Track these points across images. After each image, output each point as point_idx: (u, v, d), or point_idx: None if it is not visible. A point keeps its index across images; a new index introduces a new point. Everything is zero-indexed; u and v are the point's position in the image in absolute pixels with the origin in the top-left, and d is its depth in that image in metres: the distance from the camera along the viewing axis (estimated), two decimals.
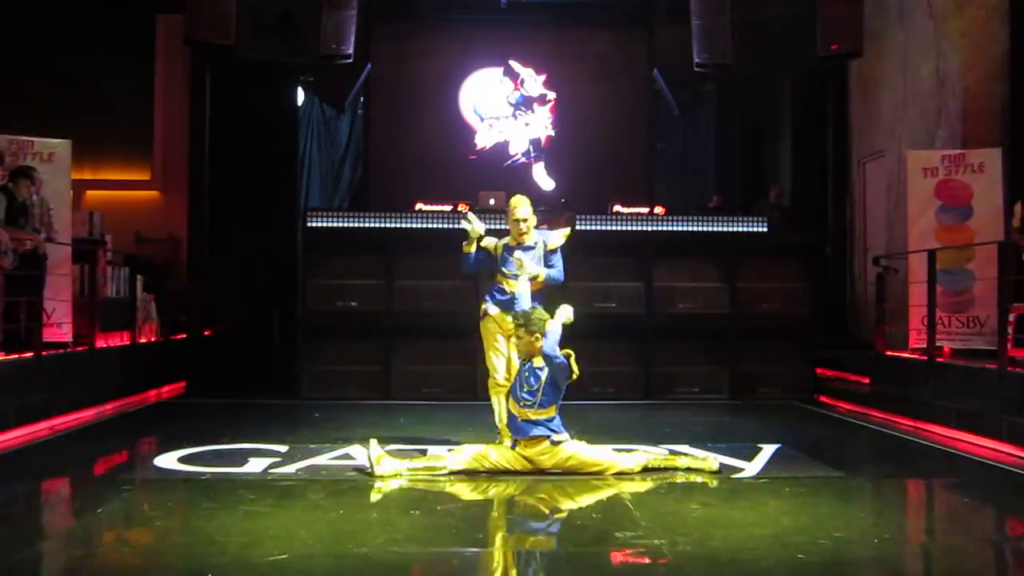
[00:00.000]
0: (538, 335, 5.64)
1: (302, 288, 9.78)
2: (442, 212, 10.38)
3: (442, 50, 14.03)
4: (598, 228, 9.98)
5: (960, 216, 8.79)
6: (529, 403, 5.61)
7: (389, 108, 13.91)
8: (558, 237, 6.40)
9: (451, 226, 9.95)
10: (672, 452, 6.49)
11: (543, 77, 13.85)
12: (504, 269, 6.26)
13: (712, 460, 5.89)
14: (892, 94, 10.92)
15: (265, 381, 10.49)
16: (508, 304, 6.16)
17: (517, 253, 6.16)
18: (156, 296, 10.51)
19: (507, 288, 6.23)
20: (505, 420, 6.01)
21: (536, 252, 6.26)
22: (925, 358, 8.20)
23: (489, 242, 6.41)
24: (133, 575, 4.12)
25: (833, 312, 11.66)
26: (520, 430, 5.66)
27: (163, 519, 4.91)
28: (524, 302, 5.93)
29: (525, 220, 6.28)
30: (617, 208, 10.81)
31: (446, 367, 9.58)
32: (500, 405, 6.23)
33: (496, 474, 5.59)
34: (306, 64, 11.04)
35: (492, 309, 6.29)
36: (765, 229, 10.15)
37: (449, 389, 9.47)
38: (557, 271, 6.33)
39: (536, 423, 5.60)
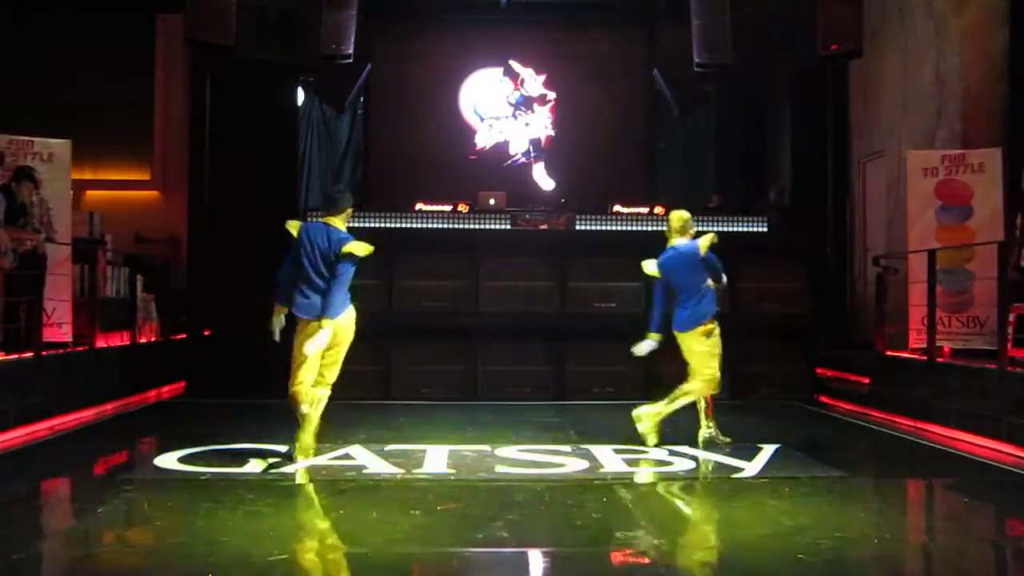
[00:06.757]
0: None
1: None
2: (442, 212, 10.36)
3: (442, 50, 14.01)
4: (598, 228, 9.97)
5: (960, 216, 8.79)
6: None
7: (389, 108, 13.90)
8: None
9: (451, 226, 9.97)
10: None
11: (543, 77, 13.87)
12: None
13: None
14: (892, 94, 10.91)
15: (265, 381, 10.45)
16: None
17: None
18: (156, 296, 10.50)
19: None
20: None
21: None
22: (925, 358, 8.20)
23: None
24: (133, 575, 4.13)
25: (833, 312, 11.63)
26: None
27: (163, 519, 4.90)
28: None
29: None
30: (617, 208, 10.79)
31: (446, 367, 9.57)
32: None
33: None
34: (306, 64, 11.03)
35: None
36: (765, 229, 10.15)
37: (449, 389, 9.46)
38: None
39: None
